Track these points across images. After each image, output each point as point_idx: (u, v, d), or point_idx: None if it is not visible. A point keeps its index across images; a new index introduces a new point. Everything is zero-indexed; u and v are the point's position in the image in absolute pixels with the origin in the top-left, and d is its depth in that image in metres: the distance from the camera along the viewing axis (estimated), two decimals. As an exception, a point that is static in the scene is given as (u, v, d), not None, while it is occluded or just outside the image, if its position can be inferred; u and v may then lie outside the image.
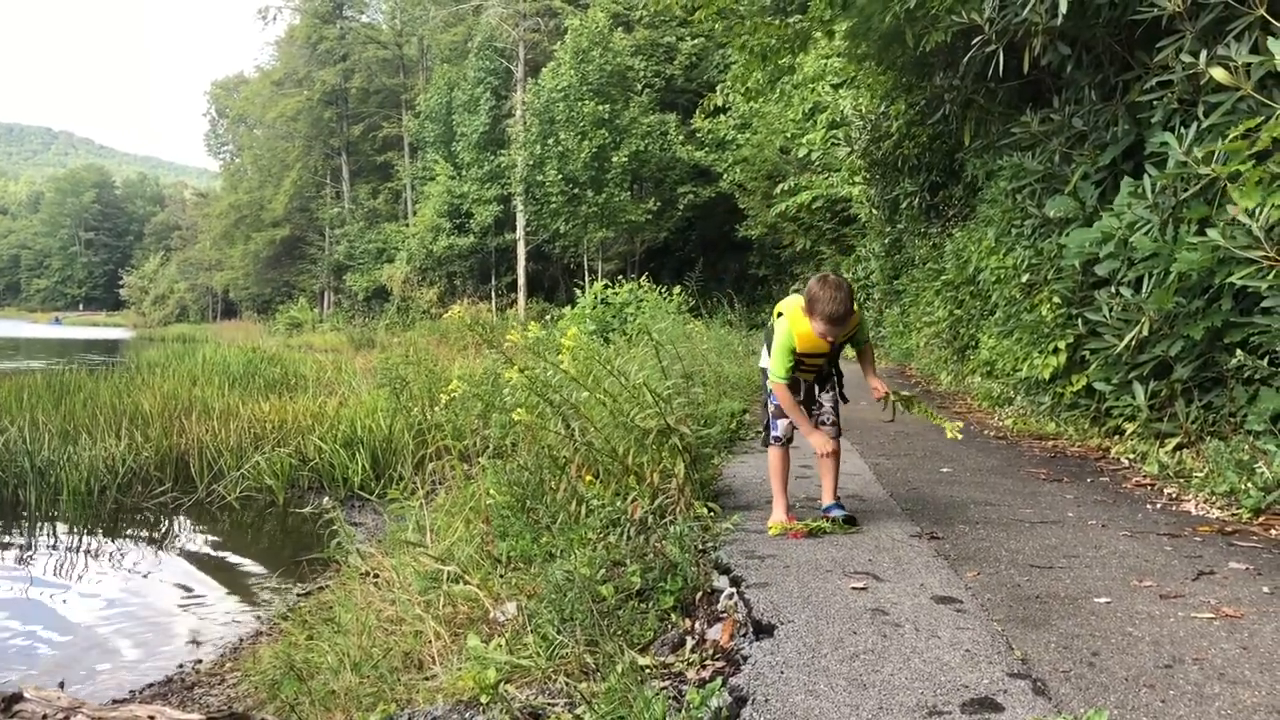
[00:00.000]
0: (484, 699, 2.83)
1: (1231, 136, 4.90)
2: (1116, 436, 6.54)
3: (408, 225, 47.26)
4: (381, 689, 3.64)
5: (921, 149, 13.73)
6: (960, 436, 4.08)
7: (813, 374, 4.40)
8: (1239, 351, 5.07)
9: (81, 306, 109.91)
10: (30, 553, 8.16)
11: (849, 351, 4.48)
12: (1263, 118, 4.81)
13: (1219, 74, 5.04)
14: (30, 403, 11.02)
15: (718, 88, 27.32)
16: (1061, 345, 7.07)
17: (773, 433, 4.40)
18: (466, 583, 4.15)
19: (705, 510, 4.43)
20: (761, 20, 11.99)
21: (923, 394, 11.30)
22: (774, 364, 4.23)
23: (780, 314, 4.27)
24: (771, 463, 4.40)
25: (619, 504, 4.26)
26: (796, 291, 4.30)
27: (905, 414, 4.45)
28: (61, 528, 8.89)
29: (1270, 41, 4.75)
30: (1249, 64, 4.98)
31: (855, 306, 4.04)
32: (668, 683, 2.74)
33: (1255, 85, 4.95)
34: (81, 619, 6.48)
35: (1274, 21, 4.89)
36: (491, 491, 4.88)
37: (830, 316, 3.94)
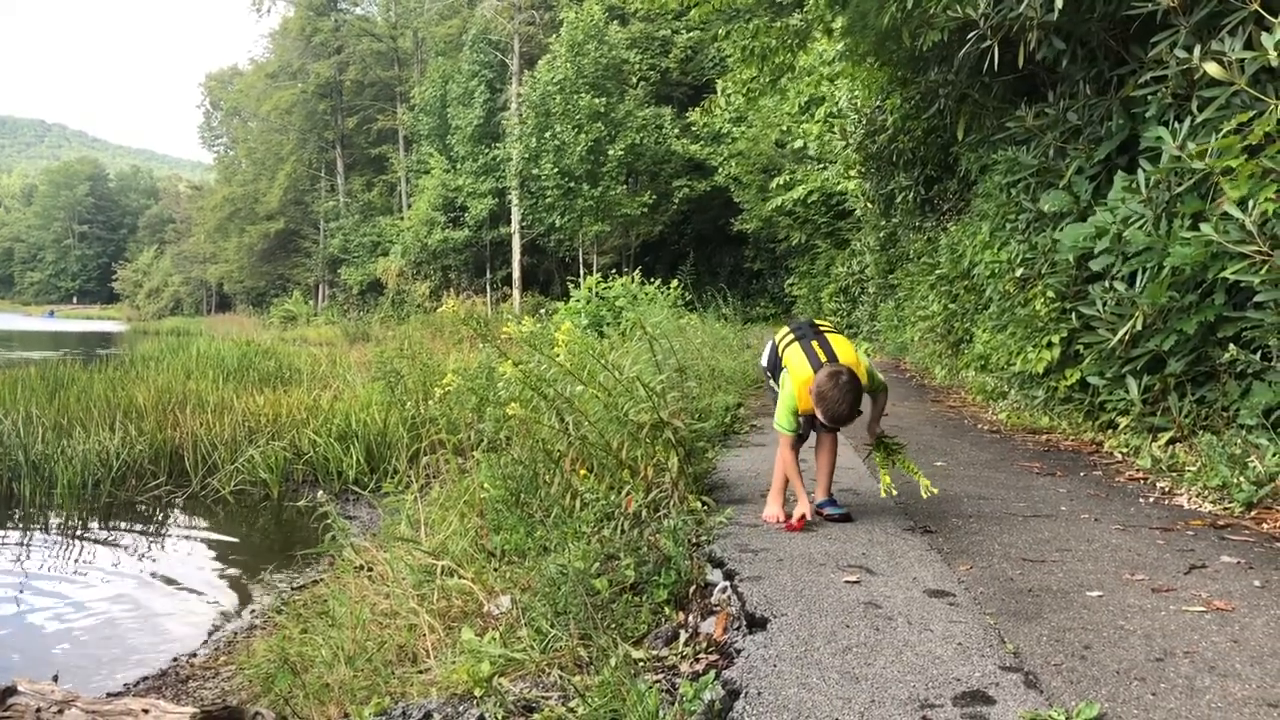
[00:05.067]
0: (478, 692, 2.84)
1: (1225, 131, 4.91)
2: (1109, 430, 6.56)
3: (402, 219, 47.17)
4: (376, 682, 3.65)
5: (917, 143, 13.73)
6: (936, 492, 4.09)
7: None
8: (1232, 346, 5.08)
9: (75, 300, 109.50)
10: (24, 546, 8.15)
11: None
12: (1255, 112, 4.83)
13: (1213, 69, 5.04)
14: (24, 396, 10.98)
15: (718, 88, 27.15)
16: (1055, 339, 7.08)
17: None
18: (461, 576, 4.16)
19: (699, 504, 4.44)
20: (762, 22, 11.99)
21: (917, 388, 11.34)
22: (780, 417, 4.26)
23: (786, 364, 4.23)
24: (782, 457, 4.35)
25: (613, 498, 4.27)
26: (791, 304, 4.33)
27: (875, 463, 4.42)
28: (55, 521, 8.88)
29: (1264, 36, 4.76)
30: (1242, 59, 4.98)
31: (864, 380, 4.05)
32: (661, 676, 2.74)
33: (1248, 80, 4.95)
34: (75, 613, 6.47)
35: (1268, 16, 4.89)
36: (486, 485, 4.89)
37: (835, 417, 3.95)
